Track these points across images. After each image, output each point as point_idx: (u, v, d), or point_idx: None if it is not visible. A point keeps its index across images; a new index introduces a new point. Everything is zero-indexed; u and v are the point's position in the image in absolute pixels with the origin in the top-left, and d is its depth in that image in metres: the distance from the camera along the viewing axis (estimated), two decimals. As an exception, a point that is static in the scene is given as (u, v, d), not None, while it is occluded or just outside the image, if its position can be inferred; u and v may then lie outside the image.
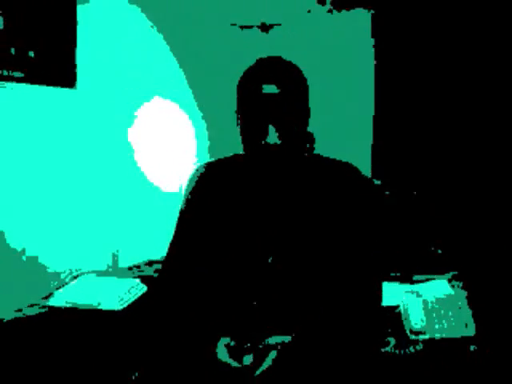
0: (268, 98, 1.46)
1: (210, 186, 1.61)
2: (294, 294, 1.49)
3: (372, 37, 3.50)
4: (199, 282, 1.56)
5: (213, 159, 1.72)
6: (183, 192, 1.66)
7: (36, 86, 2.50)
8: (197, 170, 1.67)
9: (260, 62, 1.56)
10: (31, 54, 2.47)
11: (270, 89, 1.46)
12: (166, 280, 1.63)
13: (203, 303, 1.53)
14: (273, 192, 1.55)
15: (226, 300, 1.52)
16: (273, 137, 1.45)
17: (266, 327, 1.46)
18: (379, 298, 1.58)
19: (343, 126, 3.48)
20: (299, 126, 1.52)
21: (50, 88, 2.56)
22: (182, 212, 1.64)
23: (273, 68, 1.52)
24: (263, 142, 1.44)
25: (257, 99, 1.46)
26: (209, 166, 1.67)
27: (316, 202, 1.53)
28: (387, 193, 2.92)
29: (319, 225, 1.51)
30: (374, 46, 3.49)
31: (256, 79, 1.49)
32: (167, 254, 1.64)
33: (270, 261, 1.50)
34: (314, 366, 1.42)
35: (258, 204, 1.55)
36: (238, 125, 1.54)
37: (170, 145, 3.32)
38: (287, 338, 1.41)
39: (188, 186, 1.65)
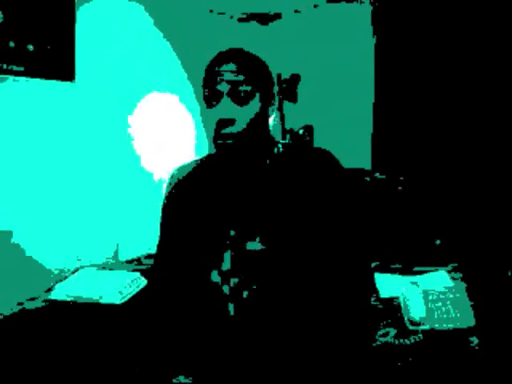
0: (228, 76, 1.48)
1: (185, 190, 1.62)
2: (281, 290, 1.49)
3: (372, 29, 3.50)
4: (185, 284, 1.58)
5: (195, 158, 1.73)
6: (164, 192, 1.68)
7: (35, 80, 2.50)
8: (177, 170, 1.67)
9: (222, 54, 1.57)
10: (30, 47, 2.47)
11: (228, 67, 1.49)
12: (155, 287, 1.65)
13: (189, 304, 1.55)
14: (248, 189, 1.54)
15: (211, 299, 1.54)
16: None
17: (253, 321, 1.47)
18: (369, 286, 1.57)
19: (343, 118, 3.48)
20: (263, 109, 1.52)
21: (49, 81, 2.57)
22: (163, 213, 1.66)
23: (232, 52, 1.54)
24: (228, 131, 1.45)
25: (217, 79, 1.49)
26: (182, 170, 1.67)
27: (292, 196, 1.52)
28: (387, 184, 2.92)
29: (298, 221, 1.50)
30: (373, 36, 3.48)
31: (216, 62, 1.51)
32: (155, 257, 1.67)
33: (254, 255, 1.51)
34: (307, 358, 1.42)
35: (234, 203, 1.55)
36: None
37: (169, 138, 3.32)
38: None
39: (168, 185, 1.66)
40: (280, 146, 1.59)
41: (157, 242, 1.66)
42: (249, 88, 1.49)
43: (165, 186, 1.68)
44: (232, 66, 1.49)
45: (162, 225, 1.66)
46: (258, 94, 1.50)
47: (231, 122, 1.46)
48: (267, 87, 1.55)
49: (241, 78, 1.48)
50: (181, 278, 1.58)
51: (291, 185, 1.52)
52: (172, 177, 1.67)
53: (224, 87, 1.47)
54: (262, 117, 1.52)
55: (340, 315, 1.47)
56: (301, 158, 1.55)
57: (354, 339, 1.49)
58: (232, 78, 1.48)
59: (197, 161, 1.69)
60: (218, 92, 1.48)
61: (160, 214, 1.66)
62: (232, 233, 1.51)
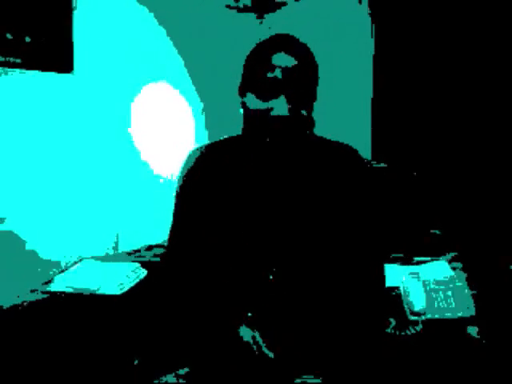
0: (282, 69, 1.45)
1: (210, 167, 1.58)
2: (296, 278, 1.48)
3: (371, 19, 3.49)
4: (201, 268, 1.55)
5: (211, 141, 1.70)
6: (179, 172, 1.64)
7: (33, 71, 2.49)
8: (196, 150, 1.64)
9: (273, 36, 1.55)
10: (28, 39, 2.46)
11: (284, 60, 1.46)
12: (168, 268, 1.62)
13: (206, 290, 1.53)
14: (273, 173, 1.53)
15: (230, 284, 1.51)
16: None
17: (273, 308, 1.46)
18: (382, 280, 1.57)
19: (342, 108, 3.47)
20: (308, 103, 1.52)
21: (47, 73, 2.55)
22: (179, 194, 1.62)
23: (287, 40, 1.53)
24: (270, 115, 1.44)
25: (269, 69, 1.45)
26: (208, 147, 1.65)
27: (316, 184, 1.51)
28: (387, 174, 2.91)
29: (320, 207, 1.50)
30: (372, 24, 3.47)
31: (271, 49, 1.49)
32: (168, 238, 1.63)
33: (271, 245, 1.49)
34: (319, 349, 1.42)
35: (257, 186, 1.53)
36: (242, 101, 1.53)
37: (168, 130, 3.31)
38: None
39: (185, 165, 1.62)
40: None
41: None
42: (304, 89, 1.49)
43: (179, 167, 1.65)
44: (287, 59, 1.46)
45: (177, 206, 1.62)
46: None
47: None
48: (315, 86, 1.59)
49: (298, 77, 1.47)
50: (194, 265, 1.56)
51: (314, 175, 1.52)
52: (188, 159, 1.63)
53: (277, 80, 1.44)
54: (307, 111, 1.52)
55: (355, 308, 1.47)
56: (327, 150, 1.56)
57: (368, 335, 1.49)
58: (289, 79, 1.45)
59: (212, 144, 1.67)
60: (275, 80, 1.45)
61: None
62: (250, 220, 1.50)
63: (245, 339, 1.39)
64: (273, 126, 1.44)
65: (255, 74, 1.49)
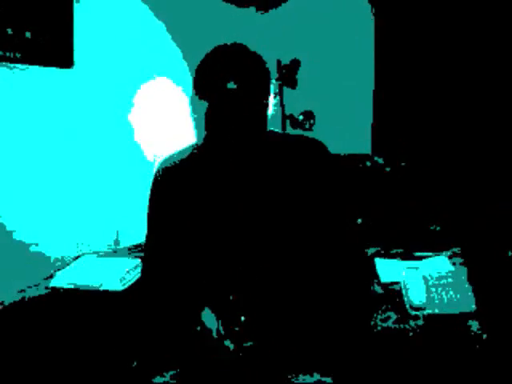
0: (228, 93, 1.43)
1: (175, 181, 1.61)
2: (272, 278, 1.49)
3: (372, 11, 3.48)
4: (178, 273, 1.58)
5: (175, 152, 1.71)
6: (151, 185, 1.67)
7: (33, 66, 2.49)
8: (164, 161, 1.66)
9: (218, 52, 1.52)
10: (28, 34, 2.45)
11: (230, 85, 1.43)
12: (147, 274, 1.65)
13: (183, 293, 1.55)
14: (237, 177, 1.54)
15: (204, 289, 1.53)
16: None
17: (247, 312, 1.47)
18: (363, 269, 1.58)
19: (343, 103, 3.47)
20: (257, 119, 1.50)
21: (48, 68, 2.55)
22: (150, 208, 1.66)
23: (233, 61, 1.48)
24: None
25: (216, 94, 1.44)
26: (168, 162, 1.66)
27: (278, 179, 1.52)
28: (388, 169, 2.92)
29: (284, 202, 1.50)
30: (373, 16, 3.46)
31: (215, 73, 1.46)
32: (144, 246, 1.67)
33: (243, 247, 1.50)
34: (307, 344, 1.43)
35: (225, 193, 1.55)
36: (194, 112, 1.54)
37: (169, 125, 3.31)
38: None
39: (155, 178, 1.65)
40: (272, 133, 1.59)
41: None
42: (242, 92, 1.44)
43: (151, 180, 1.67)
44: (232, 84, 1.43)
45: (150, 218, 1.67)
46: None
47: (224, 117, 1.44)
48: (265, 87, 1.51)
49: (242, 102, 1.44)
50: (171, 270, 1.58)
51: (279, 173, 1.52)
52: (158, 170, 1.65)
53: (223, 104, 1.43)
54: (256, 113, 1.49)
55: (336, 300, 1.48)
56: (287, 147, 1.56)
57: (353, 324, 1.49)
58: (234, 103, 1.43)
59: (182, 152, 1.68)
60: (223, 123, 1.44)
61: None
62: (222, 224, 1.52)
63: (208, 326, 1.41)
64: (228, 131, 1.44)
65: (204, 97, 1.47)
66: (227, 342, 1.41)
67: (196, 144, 1.64)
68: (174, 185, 1.61)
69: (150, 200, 1.66)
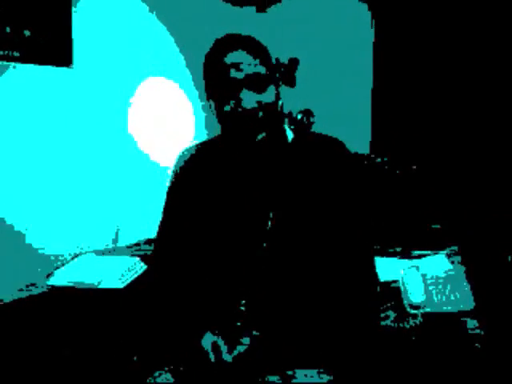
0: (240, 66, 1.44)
1: (200, 166, 1.60)
2: (287, 273, 1.49)
3: (370, 10, 3.49)
4: (189, 267, 1.56)
5: (205, 139, 1.71)
6: (171, 171, 1.66)
7: (32, 65, 2.49)
8: (187, 150, 1.66)
9: (225, 36, 1.53)
10: (27, 33, 2.45)
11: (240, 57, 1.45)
12: (156, 267, 1.63)
13: (193, 289, 1.54)
14: (259, 171, 1.54)
15: (216, 286, 1.52)
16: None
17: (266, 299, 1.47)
18: (372, 273, 1.57)
19: (342, 102, 3.47)
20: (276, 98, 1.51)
21: (47, 67, 2.55)
22: (170, 191, 1.64)
23: (242, 38, 1.50)
24: (239, 110, 1.44)
25: (226, 69, 1.45)
26: (198, 147, 1.66)
27: (303, 178, 1.52)
28: (386, 167, 2.92)
29: (306, 200, 1.50)
30: (372, 15, 3.46)
31: (226, 49, 1.47)
32: (157, 235, 1.65)
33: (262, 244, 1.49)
34: (309, 340, 1.43)
35: (247, 184, 1.54)
36: (210, 106, 1.54)
37: (168, 122, 3.31)
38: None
39: (176, 164, 1.64)
40: (289, 131, 1.59)
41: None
42: (264, 70, 1.45)
43: (172, 167, 1.66)
44: (241, 53, 1.45)
45: (167, 206, 1.64)
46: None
47: (237, 100, 1.43)
48: (275, 69, 1.53)
49: (257, 62, 1.45)
50: (182, 263, 1.57)
51: (300, 170, 1.52)
52: (180, 157, 1.65)
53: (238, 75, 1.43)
54: (276, 99, 1.50)
55: (345, 301, 1.47)
56: (310, 144, 1.56)
57: (358, 324, 1.49)
58: (247, 65, 1.43)
59: (205, 142, 1.68)
60: (235, 81, 1.44)
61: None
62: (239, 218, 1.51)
63: (205, 347, 1.40)
64: (247, 126, 1.45)
65: (213, 77, 1.49)
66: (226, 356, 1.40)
67: (215, 137, 1.64)
68: (194, 174, 1.59)
69: (170, 189, 1.64)
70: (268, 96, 1.47)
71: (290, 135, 1.58)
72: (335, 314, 1.45)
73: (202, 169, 1.59)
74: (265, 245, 1.48)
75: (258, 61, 1.45)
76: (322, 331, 1.44)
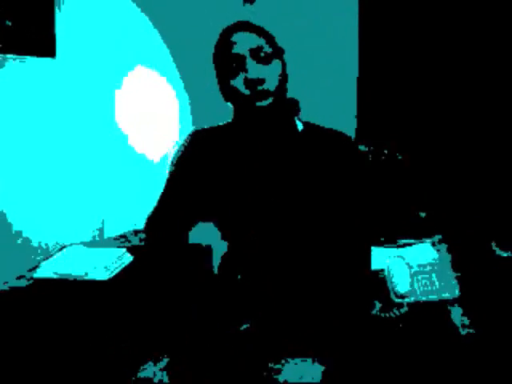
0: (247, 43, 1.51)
1: (203, 152, 1.62)
2: (278, 258, 1.50)
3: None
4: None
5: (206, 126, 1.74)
6: (173, 154, 1.67)
7: (14, 56, 2.46)
8: (191, 135, 1.68)
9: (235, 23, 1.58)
10: (8, 22, 2.43)
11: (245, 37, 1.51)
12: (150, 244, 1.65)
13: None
14: (264, 159, 1.55)
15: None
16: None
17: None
18: (368, 262, 1.59)
19: (327, 92, 3.47)
20: (283, 84, 1.54)
21: (29, 58, 2.53)
22: (172, 174, 1.66)
23: (247, 23, 1.57)
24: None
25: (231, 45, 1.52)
26: (203, 132, 1.68)
27: (308, 169, 1.53)
28: (371, 157, 2.93)
29: (311, 191, 1.51)
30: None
31: (231, 31, 1.55)
32: (154, 210, 1.67)
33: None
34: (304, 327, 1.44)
35: (251, 170, 1.56)
36: (224, 94, 1.56)
37: (153, 115, 3.30)
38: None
39: (179, 148, 1.66)
40: (298, 122, 1.61)
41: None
42: (270, 50, 1.52)
43: (174, 149, 1.68)
44: (247, 35, 1.51)
45: (167, 186, 1.67)
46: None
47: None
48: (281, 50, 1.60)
49: (262, 41, 1.52)
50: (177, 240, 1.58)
51: (309, 160, 1.53)
52: (184, 141, 1.68)
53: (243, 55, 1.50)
54: (283, 81, 1.54)
55: (340, 288, 1.49)
56: (320, 135, 1.58)
57: (352, 314, 1.51)
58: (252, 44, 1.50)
59: (216, 128, 1.70)
60: (239, 57, 1.49)
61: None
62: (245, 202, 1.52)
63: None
64: (260, 113, 1.47)
65: (219, 54, 1.55)
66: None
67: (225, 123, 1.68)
68: (203, 155, 1.62)
69: (171, 171, 1.67)
70: (273, 71, 1.51)
71: (299, 126, 1.61)
72: (330, 303, 1.47)
73: (212, 152, 1.61)
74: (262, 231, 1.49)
75: (263, 40, 1.53)
76: (317, 320, 1.45)
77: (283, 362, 1.38)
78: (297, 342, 1.42)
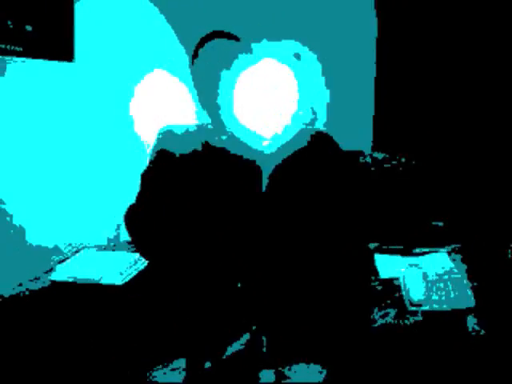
0: None
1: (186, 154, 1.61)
2: (275, 268, 1.49)
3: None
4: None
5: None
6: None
7: (34, 60, 2.49)
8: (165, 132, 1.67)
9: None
10: (28, 27, 2.45)
11: None
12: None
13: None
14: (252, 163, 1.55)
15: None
16: None
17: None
18: (370, 269, 1.58)
19: (343, 95, 3.44)
20: None
21: (48, 62, 2.55)
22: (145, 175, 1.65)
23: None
24: None
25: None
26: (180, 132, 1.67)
27: (298, 174, 1.52)
28: (388, 165, 2.91)
29: (302, 196, 1.50)
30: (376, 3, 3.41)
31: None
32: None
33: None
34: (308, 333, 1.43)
35: (237, 178, 1.55)
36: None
37: (171, 119, 3.31)
38: None
39: (154, 147, 1.66)
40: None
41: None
42: None
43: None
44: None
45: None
46: None
47: None
48: None
49: None
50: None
51: (290, 168, 1.52)
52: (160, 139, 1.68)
53: None
54: None
55: (336, 294, 1.48)
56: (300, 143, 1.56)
57: (353, 319, 1.50)
58: None
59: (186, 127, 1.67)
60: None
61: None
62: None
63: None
64: None
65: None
66: None
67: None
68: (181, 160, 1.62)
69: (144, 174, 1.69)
70: None
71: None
72: (332, 310, 1.46)
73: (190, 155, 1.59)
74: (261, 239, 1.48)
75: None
76: (319, 326, 1.45)
77: (288, 366, 1.38)
78: (301, 347, 1.42)
